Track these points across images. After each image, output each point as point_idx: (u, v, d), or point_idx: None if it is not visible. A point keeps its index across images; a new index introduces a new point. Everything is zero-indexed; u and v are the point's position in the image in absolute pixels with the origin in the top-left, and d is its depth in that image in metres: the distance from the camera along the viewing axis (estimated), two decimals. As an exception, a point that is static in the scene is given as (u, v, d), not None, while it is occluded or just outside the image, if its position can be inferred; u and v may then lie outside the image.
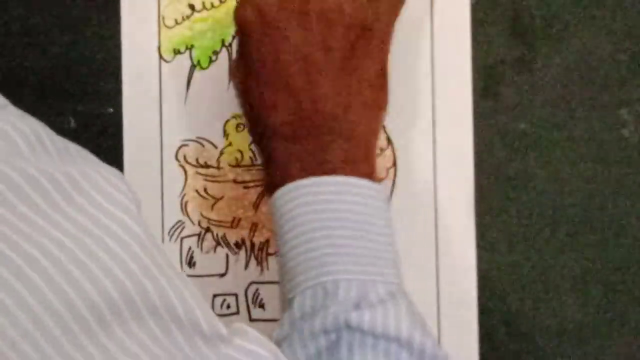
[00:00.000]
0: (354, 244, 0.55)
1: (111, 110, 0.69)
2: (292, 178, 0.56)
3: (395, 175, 0.68)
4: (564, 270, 0.68)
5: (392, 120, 0.68)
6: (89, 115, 0.69)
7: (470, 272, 0.68)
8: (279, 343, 0.54)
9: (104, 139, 0.69)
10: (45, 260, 0.39)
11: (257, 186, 0.69)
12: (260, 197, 0.68)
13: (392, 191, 0.68)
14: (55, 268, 0.39)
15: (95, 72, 0.69)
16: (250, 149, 0.69)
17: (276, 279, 0.65)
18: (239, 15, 0.59)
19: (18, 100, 0.69)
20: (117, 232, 0.42)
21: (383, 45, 0.60)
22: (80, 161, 0.45)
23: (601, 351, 0.68)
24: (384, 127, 0.68)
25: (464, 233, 0.68)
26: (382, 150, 0.68)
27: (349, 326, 0.52)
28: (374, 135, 0.60)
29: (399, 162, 0.68)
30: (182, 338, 0.42)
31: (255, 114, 0.59)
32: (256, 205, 0.68)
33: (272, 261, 0.68)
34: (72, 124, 0.69)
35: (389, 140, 0.68)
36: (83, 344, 0.39)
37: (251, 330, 0.47)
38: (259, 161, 0.68)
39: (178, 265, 0.68)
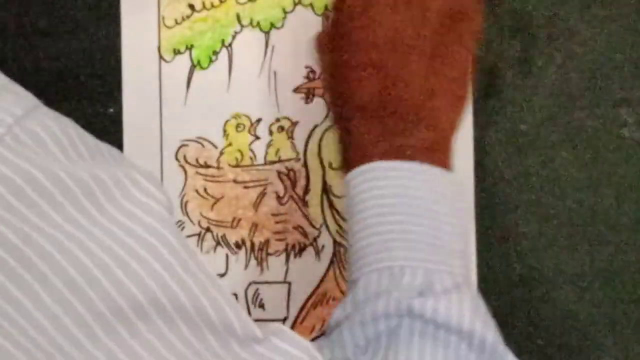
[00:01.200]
0: (424, 232, 0.55)
1: (111, 110, 0.69)
2: (369, 158, 0.56)
3: (395, 175, 0.68)
4: (563, 270, 0.68)
5: (392, 120, 0.68)
6: (89, 115, 0.69)
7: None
8: (338, 322, 0.54)
9: (104, 139, 0.69)
10: (67, 262, 0.40)
11: (257, 186, 0.69)
12: (260, 197, 0.68)
13: (392, 191, 0.68)
14: (76, 270, 0.40)
15: (95, 72, 0.69)
16: (250, 149, 0.69)
17: (275, 279, 0.65)
18: None
19: (18, 100, 0.69)
20: (144, 237, 0.42)
21: (474, 37, 0.61)
22: (112, 163, 0.45)
23: (601, 350, 0.68)
24: (384, 127, 0.68)
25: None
26: (382, 150, 0.68)
27: (411, 312, 0.52)
28: (454, 125, 0.60)
29: (399, 162, 0.68)
30: (215, 341, 0.43)
31: (340, 89, 0.59)
32: (256, 205, 0.68)
33: (272, 261, 0.68)
34: (72, 123, 0.69)
35: (389, 140, 0.68)
36: (103, 341, 0.40)
37: (287, 330, 0.48)
38: (259, 161, 0.68)
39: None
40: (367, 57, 0.58)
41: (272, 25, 0.69)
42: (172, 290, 0.42)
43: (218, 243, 0.69)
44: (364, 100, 0.58)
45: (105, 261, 0.41)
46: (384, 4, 0.58)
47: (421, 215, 0.55)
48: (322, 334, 0.68)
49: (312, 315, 0.68)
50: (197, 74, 0.69)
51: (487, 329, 0.53)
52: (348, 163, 0.58)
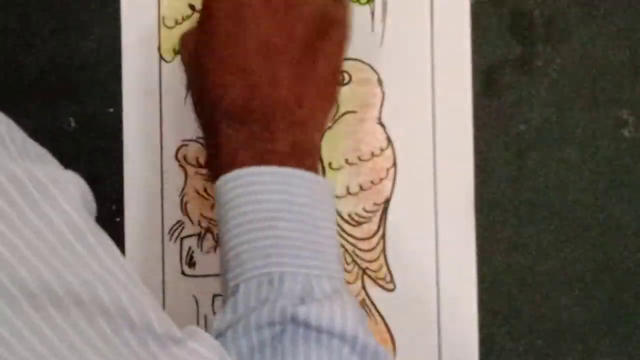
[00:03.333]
0: (299, 236, 0.55)
1: (111, 110, 0.69)
2: (239, 164, 0.55)
3: (395, 175, 0.68)
4: (564, 270, 0.68)
5: (392, 120, 0.68)
6: (89, 115, 0.69)
7: (470, 272, 0.68)
8: (221, 332, 0.53)
9: (104, 139, 0.69)
10: None
11: (257, 186, 0.68)
12: (260, 197, 0.68)
13: (392, 191, 0.68)
14: None
15: (95, 72, 0.69)
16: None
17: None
18: None
19: (18, 100, 0.69)
20: (64, 232, 0.42)
21: (341, 43, 0.61)
22: (37, 161, 0.45)
23: (601, 351, 0.68)
24: (383, 127, 0.68)
25: (464, 233, 0.68)
26: (382, 150, 0.68)
27: (295, 319, 0.52)
28: (321, 130, 0.60)
29: (399, 162, 0.68)
30: (133, 338, 0.43)
31: (206, 92, 0.58)
32: (256, 205, 0.68)
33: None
34: (72, 124, 0.69)
35: (389, 140, 0.68)
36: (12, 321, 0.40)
37: (205, 335, 0.48)
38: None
39: (178, 265, 0.68)
40: (235, 61, 0.57)
41: (272, 25, 0.69)
42: (91, 285, 0.42)
43: (218, 243, 0.69)
44: (231, 105, 0.57)
45: (22, 250, 0.41)
46: (254, 7, 0.57)
47: (299, 220, 0.55)
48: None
49: (312, 315, 0.68)
50: (197, 74, 0.69)
51: (368, 333, 0.53)
52: (216, 169, 0.57)
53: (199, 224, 0.69)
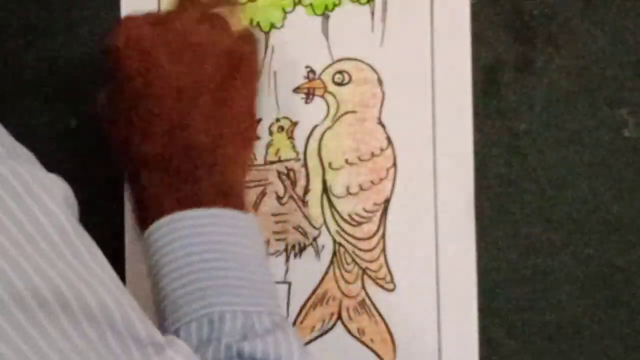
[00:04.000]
0: (234, 275, 0.55)
1: (111, 110, 0.69)
2: (166, 211, 0.56)
3: (395, 175, 0.68)
4: (564, 270, 0.68)
5: (392, 120, 0.68)
6: (89, 115, 0.69)
7: (470, 272, 0.68)
8: None
9: (104, 139, 0.69)
10: None
11: (257, 186, 0.69)
12: (260, 197, 0.68)
13: (392, 191, 0.68)
14: None
15: (95, 72, 0.69)
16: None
17: (275, 279, 0.65)
18: (112, 43, 0.59)
19: (18, 100, 0.69)
20: (49, 233, 0.42)
21: (252, 78, 0.61)
22: (23, 163, 0.45)
23: (601, 351, 0.68)
24: (383, 127, 0.68)
25: (464, 233, 0.68)
26: (382, 150, 0.68)
27: (241, 356, 0.52)
28: (244, 168, 0.61)
29: (399, 162, 0.68)
30: (116, 343, 0.43)
31: (125, 144, 0.59)
32: (256, 205, 0.68)
33: (272, 261, 0.68)
34: (73, 123, 0.69)
35: (389, 140, 0.68)
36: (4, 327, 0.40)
37: (182, 344, 0.48)
38: (259, 161, 0.68)
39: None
40: (150, 109, 0.58)
41: (272, 25, 0.69)
42: (76, 289, 0.42)
43: (218, 243, 0.69)
44: (151, 152, 0.57)
45: (10, 252, 0.41)
46: (160, 55, 0.58)
47: (233, 260, 0.55)
48: (322, 334, 0.68)
49: (312, 315, 0.68)
50: (197, 74, 0.69)
51: None
52: (144, 218, 0.57)
53: (199, 224, 0.69)
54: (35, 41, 0.69)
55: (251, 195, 0.69)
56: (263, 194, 0.68)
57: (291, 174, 0.69)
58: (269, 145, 0.68)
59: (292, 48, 0.69)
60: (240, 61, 0.60)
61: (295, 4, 0.69)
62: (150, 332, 0.45)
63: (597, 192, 0.68)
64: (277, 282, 0.68)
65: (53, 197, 0.44)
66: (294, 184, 0.69)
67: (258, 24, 0.69)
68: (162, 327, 0.56)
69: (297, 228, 0.69)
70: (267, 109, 0.68)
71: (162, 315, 0.56)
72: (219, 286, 0.55)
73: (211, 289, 0.54)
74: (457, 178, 0.68)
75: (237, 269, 0.55)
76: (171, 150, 0.57)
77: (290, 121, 0.69)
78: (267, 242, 0.68)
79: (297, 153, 0.69)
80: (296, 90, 0.69)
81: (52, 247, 0.42)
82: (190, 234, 0.55)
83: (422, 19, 0.68)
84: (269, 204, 0.68)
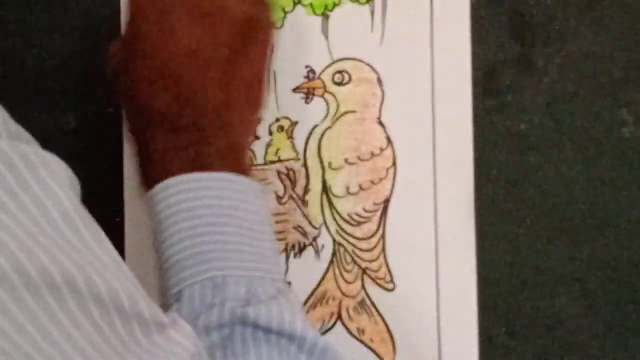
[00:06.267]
0: (239, 240, 0.55)
1: (111, 110, 0.69)
2: (172, 173, 0.56)
3: (395, 175, 0.68)
4: (564, 270, 0.68)
5: (392, 120, 0.68)
6: (89, 115, 0.69)
7: (470, 272, 0.68)
8: None
9: (104, 139, 0.69)
10: None
11: (257, 186, 0.69)
12: (260, 197, 0.68)
13: (392, 191, 0.68)
14: None
15: (95, 72, 0.69)
16: (250, 149, 0.69)
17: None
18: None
19: (18, 100, 0.69)
20: (54, 215, 0.42)
21: (265, 47, 0.61)
22: (27, 145, 0.44)
23: (601, 351, 0.68)
24: (383, 127, 0.68)
25: (464, 233, 0.68)
26: (382, 150, 0.68)
27: (244, 321, 0.52)
28: (251, 133, 0.61)
29: (399, 162, 0.68)
30: (121, 324, 0.42)
31: (136, 100, 0.58)
32: (256, 205, 0.68)
33: (272, 261, 0.68)
34: (72, 123, 0.69)
35: (389, 140, 0.68)
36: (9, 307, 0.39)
37: (183, 323, 0.47)
38: (259, 161, 0.68)
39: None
40: (164, 67, 0.57)
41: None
42: (84, 271, 0.41)
43: (218, 243, 0.69)
44: (160, 111, 0.57)
45: (17, 233, 0.40)
46: (179, 14, 0.58)
47: (237, 225, 0.55)
48: (322, 334, 0.68)
49: (312, 315, 0.68)
50: (197, 73, 0.69)
51: (317, 333, 0.53)
52: (149, 177, 0.57)
53: (199, 224, 0.69)
54: (35, 40, 0.69)
55: (251, 195, 0.69)
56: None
57: (291, 174, 0.69)
58: (269, 145, 0.69)
59: (292, 48, 0.69)
60: (255, 28, 0.60)
61: (295, 4, 0.69)
62: (154, 312, 0.45)
63: (597, 192, 0.68)
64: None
65: (56, 178, 0.43)
66: (294, 184, 0.69)
67: (258, 24, 0.69)
68: (165, 289, 0.56)
69: (297, 228, 0.69)
70: (267, 109, 0.68)
71: (165, 276, 0.56)
72: (223, 251, 0.54)
73: (216, 253, 0.54)
74: (457, 178, 0.68)
75: (243, 235, 0.55)
76: (182, 110, 0.57)
77: (290, 121, 0.69)
78: (267, 242, 0.69)
79: (297, 153, 0.69)
80: (296, 90, 0.69)
81: (57, 230, 0.42)
82: (196, 197, 0.55)
83: (422, 19, 0.68)
84: (269, 204, 0.68)
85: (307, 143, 0.69)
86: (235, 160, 0.57)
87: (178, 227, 0.55)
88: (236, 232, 0.55)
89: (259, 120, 0.62)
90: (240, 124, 0.59)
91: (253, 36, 0.60)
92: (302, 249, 0.69)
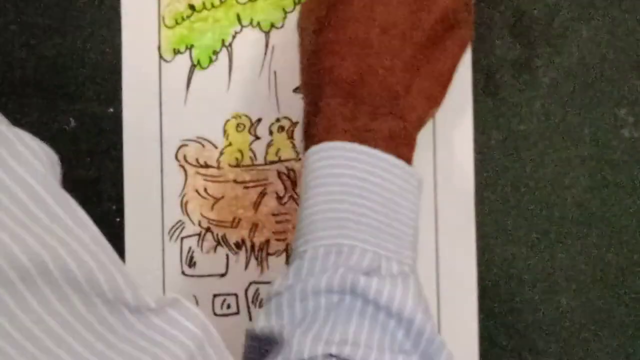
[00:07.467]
0: (378, 218, 0.55)
1: (111, 110, 0.69)
2: (334, 137, 0.56)
3: (395, 175, 0.68)
4: (563, 270, 0.68)
5: (392, 120, 0.68)
6: (89, 115, 0.69)
7: (470, 272, 0.68)
8: (279, 292, 0.54)
9: (104, 139, 0.69)
10: None
11: (257, 186, 0.69)
12: (260, 197, 0.68)
13: (392, 191, 0.68)
14: None
15: (95, 72, 0.69)
16: (251, 149, 0.69)
17: (275, 279, 0.65)
18: None
19: (18, 100, 0.69)
20: (22, 198, 0.40)
21: (463, 45, 0.61)
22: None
23: (601, 351, 0.68)
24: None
25: (464, 233, 0.68)
26: (382, 150, 0.68)
27: (354, 290, 0.52)
28: (422, 124, 0.60)
29: (399, 162, 0.68)
30: (107, 311, 0.41)
31: (319, 58, 0.58)
32: (256, 205, 0.68)
33: (272, 261, 0.68)
34: (72, 123, 0.69)
35: (389, 140, 0.68)
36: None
37: (187, 304, 0.45)
38: (259, 161, 0.68)
39: (178, 265, 0.68)
40: (357, 33, 0.57)
41: (272, 25, 0.69)
42: (60, 257, 0.40)
43: (218, 243, 0.69)
44: (342, 75, 0.57)
45: None
46: None
47: (379, 202, 0.55)
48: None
49: (312, 315, 0.68)
50: (197, 73, 0.69)
51: (426, 320, 0.52)
52: (311, 137, 0.57)
53: (199, 224, 0.69)
54: (35, 41, 0.69)
55: (251, 195, 0.69)
56: (263, 194, 0.68)
57: (291, 174, 0.69)
58: (269, 145, 0.69)
59: (292, 48, 0.69)
60: (457, 24, 0.59)
61: (295, 4, 0.69)
62: (141, 297, 0.42)
63: (597, 192, 0.68)
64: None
65: (20, 157, 0.41)
66: (294, 184, 0.69)
67: (258, 24, 0.69)
68: (294, 245, 0.56)
69: (297, 228, 0.69)
70: (267, 109, 0.68)
71: (298, 232, 0.56)
72: (359, 222, 0.54)
73: (351, 222, 0.54)
74: (457, 178, 0.68)
75: (383, 214, 0.55)
76: (363, 81, 0.57)
77: (291, 121, 0.69)
78: (268, 242, 0.68)
79: (297, 153, 0.69)
80: (296, 90, 0.69)
81: (27, 213, 0.40)
82: (348, 165, 0.55)
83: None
84: (269, 204, 0.68)
85: (307, 143, 0.69)
86: (399, 144, 0.57)
87: (322, 189, 0.55)
88: (376, 210, 0.55)
89: (431, 116, 0.61)
90: (413, 113, 0.58)
91: (453, 32, 0.59)
92: (302, 249, 0.69)
